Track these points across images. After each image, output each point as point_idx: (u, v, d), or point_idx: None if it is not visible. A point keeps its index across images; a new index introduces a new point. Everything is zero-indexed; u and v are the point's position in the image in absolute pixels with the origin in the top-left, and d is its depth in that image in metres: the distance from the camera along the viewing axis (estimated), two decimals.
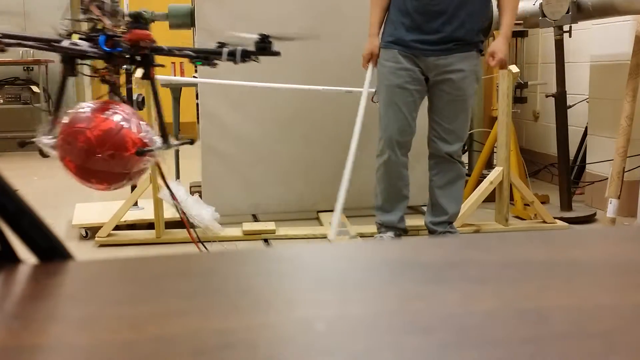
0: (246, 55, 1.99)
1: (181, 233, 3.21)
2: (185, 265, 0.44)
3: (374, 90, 2.98)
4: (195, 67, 3.13)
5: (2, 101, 6.40)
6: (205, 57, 2.02)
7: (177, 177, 3.82)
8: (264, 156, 3.53)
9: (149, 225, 3.21)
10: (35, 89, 6.43)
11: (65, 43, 1.75)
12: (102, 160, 1.71)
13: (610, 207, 3.09)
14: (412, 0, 2.75)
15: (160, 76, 3.42)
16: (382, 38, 2.88)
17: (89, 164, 1.72)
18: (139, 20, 1.85)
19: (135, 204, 3.30)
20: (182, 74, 4.46)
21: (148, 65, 1.91)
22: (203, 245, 2.57)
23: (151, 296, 0.38)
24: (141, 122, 1.80)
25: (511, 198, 3.39)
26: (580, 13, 3.35)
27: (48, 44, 1.80)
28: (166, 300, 0.37)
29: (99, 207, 3.52)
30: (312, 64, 3.46)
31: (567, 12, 3.36)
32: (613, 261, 0.43)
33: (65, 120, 1.75)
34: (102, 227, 3.12)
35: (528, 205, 3.38)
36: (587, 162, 3.98)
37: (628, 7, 3.12)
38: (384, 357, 0.29)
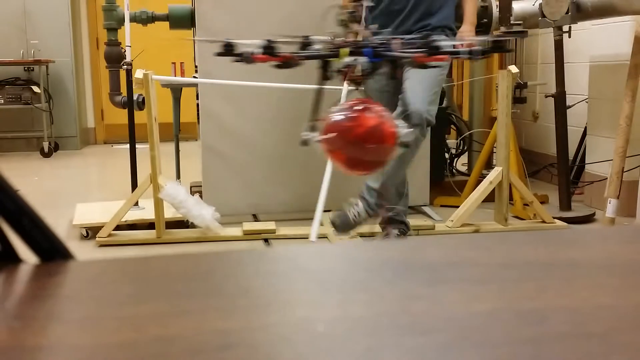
0: (485, 53, 2.20)
1: (181, 233, 3.21)
2: (186, 265, 0.44)
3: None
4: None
5: (2, 101, 6.39)
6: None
7: (178, 177, 3.82)
8: (264, 156, 3.54)
9: (150, 225, 3.21)
10: (35, 89, 6.42)
11: (348, 59, 2.07)
12: (369, 151, 2.02)
13: (609, 207, 3.09)
14: (378, 3, 2.89)
15: (160, 77, 3.43)
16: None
17: (359, 155, 2.03)
18: (438, 47, 2.09)
19: (136, 204, 3.30)
20: (182, 74, 4.46)
21: (397, 69, 2.17)
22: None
23: (152, 296, 0.38)
24: (390, 116, 2.12)
25: (510, 198, 3.39)
26: (579, 13, 3.35)
27: (321, 57, 2.13)
28: (167, 300, 0.37)
29: (99, 207, 3.52)
30: (312, 63, 3.45)
31: (567, 13, 3.36)
32: (612, 261, 0.43)
33: (331, 118, 2.06)
34: (102, 227, 3.12)
35: (527, 205, 3.38)
36: (586, 162, 3.98)
37: (627, 8, 3.12)
38: (384, 358, 0.29)
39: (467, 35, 2.88)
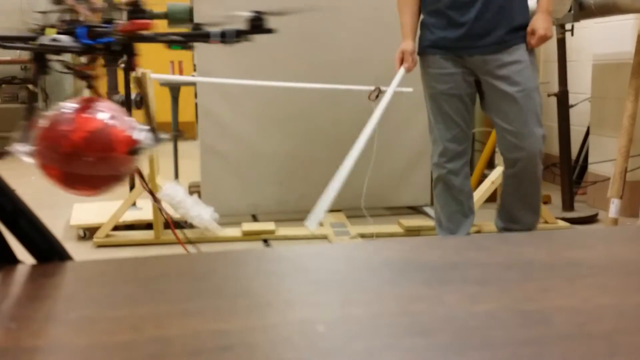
0: (239, 35, 1.86)
1: (180, 234, 3.21)
2: (184, 266, 0.44)
3: (374, 87, 2.97)
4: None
5: (0, 100, 6.40)
6: (192, 40, 1.89)
7: (176, 177, 3.82)
8: (263, 156, 3.54)
9: (148, 226, 3.21)
10: (32, 88, 6.43)
11: (45, 40, 1.62)
12: (91, 164, 1.59)
13: (612, 207, 3.09)
14: None
15: (159, 75, 3.42)
16: (420, 44, 2.65)
17: (76, 169, 1.60)
18: (139, 10, 1.73)
19: (134, 204, 3.30)
20: (180, 73, 4.46)
21: (130, 56, 1.76)
22: (184, 247, 2.54)
23: (150, 297, 0.38)
24: (127, 118, 1.65)
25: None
26: (582, 12, 3.35)
27: (24, 42, 1.67)
28: (165, 301, 0.37)
29: (97, 207, 3.52)
30: (311, 63, 3.46)
31: (570, 11, 3.35)
32: (615, 262, 0.43)
33: (43, 123, 1.60)
34: (100, 227, 3.12)
35: None
36: (589, 162, 3.98)
37: (631, 6, 3.12)
38: (384, 358, 0.29)
39: (541, 29, 2.45)
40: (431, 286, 0.38)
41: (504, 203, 2.69)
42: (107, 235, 3.12)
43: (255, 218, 3.57)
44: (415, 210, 3.72)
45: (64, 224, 3.36)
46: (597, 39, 3.83)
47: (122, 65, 1.80)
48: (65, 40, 1.61)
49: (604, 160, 3.71)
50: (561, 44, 3.54)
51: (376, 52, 3.48)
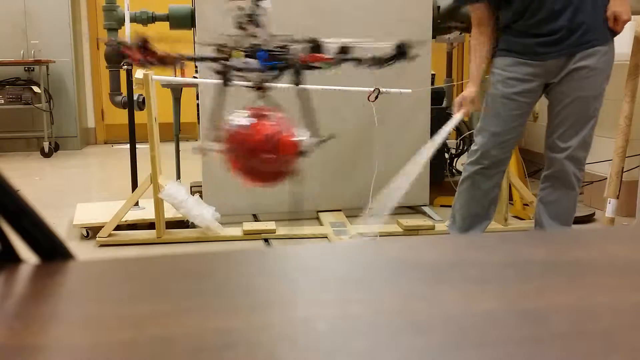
0: (385, 62, 2.11)
1: (182, 233, 3.21)
2: (186, 265, 0.44)
3: (374, 88, 2.96)
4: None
5: (3, 101, 6.39)
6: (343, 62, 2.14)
7: (178, 177, 3.82)
8: None
9: (150, 225, 3.22)
10: (36, 89, 6.42)
11: (238, 62, 2.02)
12: (267, 162, 1.96)
13: (609, 207, 3.09)
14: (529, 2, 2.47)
15: (160, 77, 3.42)
16: (498, 47, 2.61)
17: (256, 165, 1.97)
18: (318, 47, 2.06)
19: (136, 204, 3.30)
20: (182, 75, 4.46)
21: (298, 74, 2.13)
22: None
23: (152, 296, 0.38)
24: (291, 125, 2.06)
25: (510, 198, 3.39)
26: None
27: (221, 64, 2.06)
28: (166, 300, 0.37)
29: (100, 207, 3.52)
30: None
31: None
32: (612, 261, 0.43)
33: (230, 127, 2.00)
34: (103, 227, 3.12)
35: (527, 205, 3.38)
36: (586, 162, 3.97)
37: None
38: (384, 357, 0.29)
39: (624, 14, 2.38)
40: (430, 285, 0.38)
41: (537, 211, 2.67)
42: (110, 235, 3.12)
43: (256, 218, 3.57)
44: (415, 210, 3.72)
45: (67, 224, 3.36)
46: None
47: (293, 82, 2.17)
48: (252, 62, 2.02)
49: (601, 160, 3.72)
50: None
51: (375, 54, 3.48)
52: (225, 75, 2.07)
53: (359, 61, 2.09)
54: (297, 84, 2.12)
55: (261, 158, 1.95)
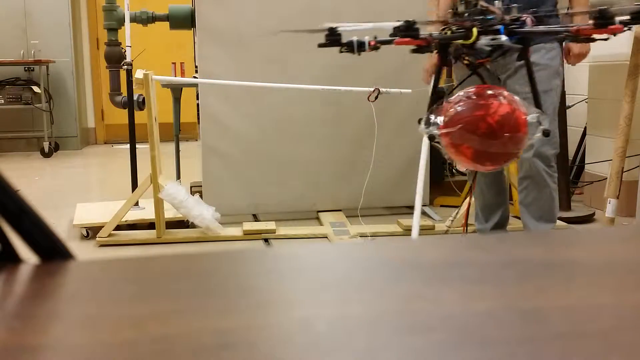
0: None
1: (181, 233, 3.21)
2: (186, 265, 0.44)
3: (373, 89, 2.97)
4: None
5: (3, 101, 6.39)
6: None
7: (178, 177, 3.82)
8: (264, 156, 3.54)
9: (150, 225, 3.22)
10: (36, 89, 6.43)
11: (485, 40, 1.82)
12: (502, 143, 1.81)
13: (609, 207, 3.09)
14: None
15: (160, 77, 3.42)
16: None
17: (489, 147, 1.82)
18: (606, 17, 1.81)
19: (136, 204, 3.30)
20: (182, 75, 4.46)
21: (526, 49, 1.94)
22: None
23: (151, 296, 0.38)
24: (520, 102, 1.88)
25: (510, 198, 3.39)
26: None
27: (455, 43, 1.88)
28: (166, 300, 0.37)
29: (100, 207, 3.52)
30: (311, 64, 3.46)
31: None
32: (612, 261, 0.43)
33: (454, 108, 1.82)
34: (103, 227, 3.12)
35: None
36: (586, 162, 3.98)
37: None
38: (384, 357, 0.29)
39: (575, 47, 2.52)
40: (430, 285, 0.38)
41: (521, 214, 2.71)
42: (110, 235, 3.12)
43: (256, 217, 3.57)
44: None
45: (67, 224, 3.36)
46: None
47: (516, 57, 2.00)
48: (502, 39, 1.83)
49: (601, 160, 3.72)
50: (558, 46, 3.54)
51: (376, 54, 3.48)
52: (443, 51, 1.90)
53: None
54: (524, 59, 1.94)
55: (497, 140, 1.79)
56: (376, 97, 3.01)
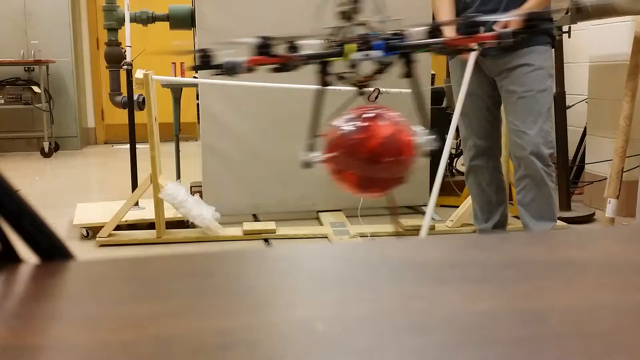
0: (514, 35, 1.90)
1: (181, 233, 3.21)
2: (186, 265, 0.44)
3: (373, 88, 2.96)
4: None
5: (3, 101, 6.39)
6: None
7: (178, 177, 3.82)
8: (264, 156, 3.54)
9: (150, 225, 3.22)
10: (36, 89, 6.43)
11: (357, 56, 1.71)
12: (385, 168, 1.70)
13: (609, 207, 3.09)
14: (465, 3, 2.59)
15: (160, 77, 3.42)
16: None
17: (372, 173, 1.70)
18: (474, 26, 1.78)
19: (136, 204, 3.30)
20: (182, 75, 4.46)
21: (410, 64, 1.84)
22: None
23: (151, 296, 0.38)
24: (407, 123, 1.79)
25: (510, 198, 3.39)
26: (579, 14, 3.35)
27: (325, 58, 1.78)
28: (166, 300, 0.37)
29: (100, 207, 3.52)
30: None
31: (567, 13, 3.36)
32: (612, 261, 0.43)
33: (336, 133, 1.71)
34: (103, 227, 3.12)
35: None
36: (586, 162, 3.98)
37: (627, 8, 3.12)
38: (384, 357, 0.29)
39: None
40: (430, 285, 0.38)
41: (520, 214, 2.71)
42: (110, 235, 3.12)
43: (256, 218, 3.57)
44: (415, 210, 3.72)
45: (67, 224, 3.36)
46: (593, 41, 3.83)
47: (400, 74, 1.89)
48: (375, 55, 1.72)
49: (601, 160, 3.72)
50: (558, 46, 3.55)
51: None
52: (323, 73, 1.77)
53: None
54: (409, 76, 1.83)
55: (381, 164, 1.67)
56: (376, 97, 3.01)
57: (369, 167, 1.68)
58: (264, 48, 1.72)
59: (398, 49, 1.73)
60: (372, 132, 1.69)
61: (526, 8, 2.47)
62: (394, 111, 1.81)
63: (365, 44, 1.74)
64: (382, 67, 1.79)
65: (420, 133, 1.73)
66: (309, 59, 1.78)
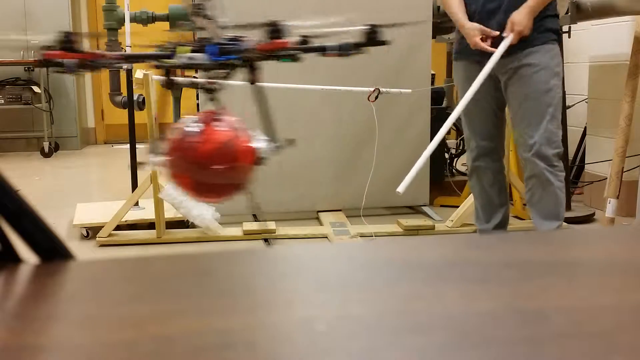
0: (355, 47, 1.95)
1: (181, 233, 3.21)
2: (186, 265, 0.44)
3: (374, 88, 2.97)
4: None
5: (3, 101, 6.39)
6: (309, 52, 1.93)
7: None
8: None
9: (150, 225, 3.21)
10: (36, 89, 6.42)
11: (183, 58, 1.73)
12: (219, 174, 1.69)
13: (609, 207, 3.09)
14: (472, 3, 2.58)
15: (160, 77, 3.42)
16: (454, 50, 2.74)
17: (205, 178, 1.69)
18: (278, 30, 1.82)
19: (136, 204, 3.30)
20: (182, 75, 4.46)
21: (254, 70, 1.87)
22: None
23: (151, 296, 0.38)
24: (247, 130, 1.80)
25: (510, 198, 3.39)
26: (579, 14, 3.35)
27: (158, 61, 1.78)
28: (166, 300, 0.37)
29: (100, 207, 3.52)
30: (312, 63, 3.46)
31: (567, 13, 3.36)
32: (612, 261, 0.43)
33: (174, 136, 1.71)
34: (103, 227, 3.12)
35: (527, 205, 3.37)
36: (586, 162, 3.98)
37: (628, 8, 3.12)
38: (384, 357, 0.29)
39: (518, 25, 2.43)
40: (430, 285, 0.38)
41: (529, 214, 2.74)
42: (110, 235, 3.12)
43: (256, 218, 3.57)
44: (415, 210, 3.72)
45: (67, 224, 3.36)
46: (593, 41, 3.83)
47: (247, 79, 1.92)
48: (200, 58, 1.72)
49: (601, 160, 3.72)
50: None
51: (376, 54, 3.48)
52: (168, 74, 1.79)
53: (323, 50, 1.89)
54: (252, 82, 1.85)
55: (215, 170, 1.67)
56: (376, 97, 3.01)
57: (202, 172, 1.68)
58: (66, 43, 1.69)
59: (231, 54, 1.76)
60: (207, 138, 1.69)
61: (530, 4, 2.46)
62: (235, 117, 1.81)
63: (200, 47, 1.75)
64: (227, 72, 1.81)
65: (261, 140, 1.74)
66: (126, 59, 1.83)
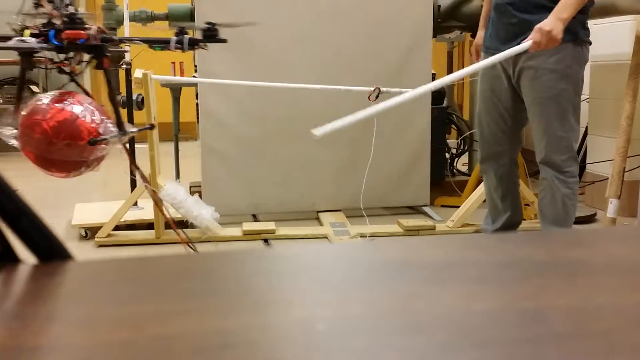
0: (194, 43, 2.09)
1: (181, 233, 3.21)
2: (185, 265, 0.44)
3: (374, 88, 2.96)
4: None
5: (1, 101, 6.39)
6: (154, 44, 2.10)
7: (177, 177, 3.82)
8: (264, 156, 3.54)
9: (149, 226, 3.21)
10: (34, 88, 6.42)
11: (13, 41, 1.85)
12: (59, 150, 1.83)
13: (610, 207, 3.09)
14: None
15: (159, 76, 3.42)
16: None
17: (46, 153, 1.84)
18: (75, 21, 1.91)
19: (135, 204, 3.30)
20: (182, 74, 4.46)
21: (101, 56, 1.98)
22: (191, 247, 2.62)
23: (151, 296, 0.38)
24: (97, 112, 1.92)
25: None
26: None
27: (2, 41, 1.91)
28: (166, 300, 0.37)
29: (98, 207, 3.52)
30: (312, 63, 3.46)
31: None
32: (613, 261, 0.43)
33: (24, 112, 1.86)
34: (101, 227, 3.12)
35: (528, 205, 3.38)
36: (587, 162, 3.98)
37: (629, 8, 3.12)
38: (384, 357, 0.29)
39: (543, 32, 2.26)
40: (430, 285, 0.38)
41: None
42: (109, 235, 3.12)
43: (255, 218, 3.57)
44: (415, 210, 3.72)
45: (66, 224, 3.36)
46: (595, 41, 3.82)
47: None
48: (33, 41, 1.85)
49: (602, 160, 3.72)
50: None
51: (376, 54, 3.48)
52: (25, 57, 1.92)
53: (167, 42, 2.01)
54: (100, 67, 1.97)
55: (54, 145, 1.80)
56: (377, 97, 3.01)
57: (40, 146, 1.82)
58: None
59: (64, 41, 1.86)
60: (48, 115, 1.82)
61: (561, 5, 2.33)
62: (88, 99, 1.93)
63: (43, 32, 1.88)
64: (76, 56, 1.93)
65: (106, 123, 1.87)
66: None
